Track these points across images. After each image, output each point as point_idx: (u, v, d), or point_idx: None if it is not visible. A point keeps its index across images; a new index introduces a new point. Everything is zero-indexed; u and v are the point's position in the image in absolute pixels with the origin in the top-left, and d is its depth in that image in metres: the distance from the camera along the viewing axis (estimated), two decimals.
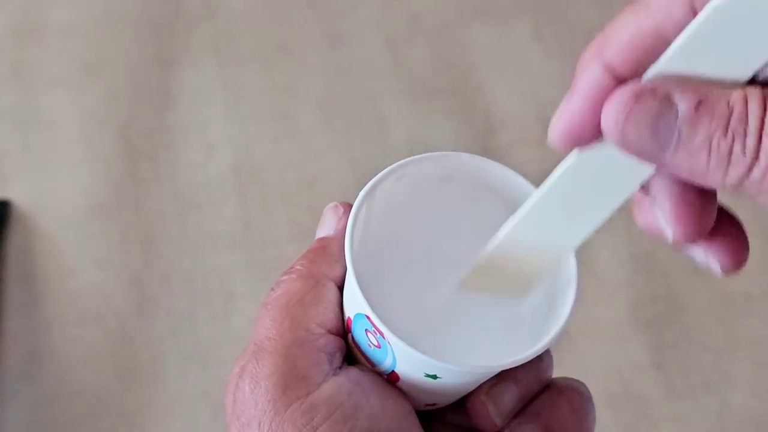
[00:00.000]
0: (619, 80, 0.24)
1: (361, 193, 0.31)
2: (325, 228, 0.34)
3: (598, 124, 0.24)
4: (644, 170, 0.25)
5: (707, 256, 0.27)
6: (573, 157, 0.26)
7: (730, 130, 0.22)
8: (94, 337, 0.88)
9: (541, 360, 0.32)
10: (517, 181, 0.32)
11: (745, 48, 0.22)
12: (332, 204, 0.34)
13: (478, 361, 0.29)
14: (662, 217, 0.26)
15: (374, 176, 0.32)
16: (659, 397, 0.86)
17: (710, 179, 0.23)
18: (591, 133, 0.24)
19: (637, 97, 0.23)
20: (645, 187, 0.26)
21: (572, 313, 0.29)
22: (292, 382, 0.29)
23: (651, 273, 0.91)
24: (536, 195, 0.27)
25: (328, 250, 0.32)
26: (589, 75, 0.24)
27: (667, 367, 0.87)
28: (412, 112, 1.00)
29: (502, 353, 0.29)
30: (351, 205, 0.32)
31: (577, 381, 0.32)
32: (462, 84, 1.03)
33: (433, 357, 0.28)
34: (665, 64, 0.23)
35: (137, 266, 0.91)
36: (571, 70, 0.25)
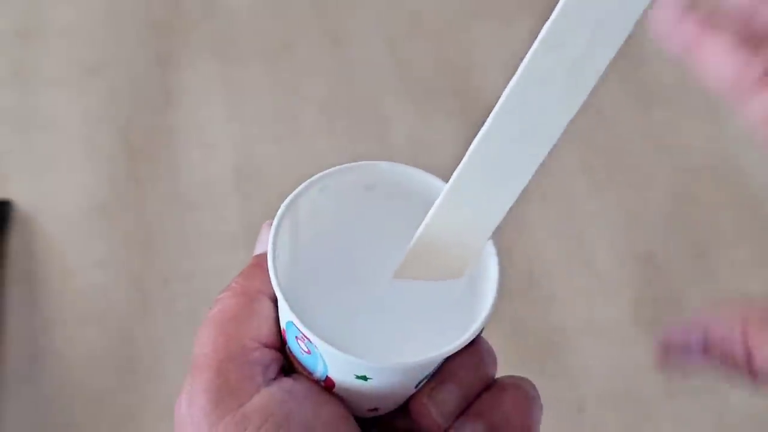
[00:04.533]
0: None
1: (282, 206, 0.32)
2: (261, 245, 0.35)
3: None
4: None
5: None
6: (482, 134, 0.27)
7: None
8: (94, 337, 0.87)
9: (482, 359, 0.32)
10: (437, 184, 0.32)
11: None
12: (267, 221, 0.34)
13: (406, 359, 0.29)
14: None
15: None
16: (660, 396, 0.86)
17: None
18: None
19: None
20: None
21: (494, 303, 0.30)
22: (224, 396, 0.30)
23: (652, 273, 0.91)
24: (454, 175, 0.28)
25: (262, 267, 0.33)
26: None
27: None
28: (414, 112, 1.00)
29: (430, 350, 0.29)
30: None
31: (521, 378, 0.32)
32: (463, 84, 1.02)
33: (354, 355, 0.28)
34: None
35: (138, 267, 0.91)
36: None
